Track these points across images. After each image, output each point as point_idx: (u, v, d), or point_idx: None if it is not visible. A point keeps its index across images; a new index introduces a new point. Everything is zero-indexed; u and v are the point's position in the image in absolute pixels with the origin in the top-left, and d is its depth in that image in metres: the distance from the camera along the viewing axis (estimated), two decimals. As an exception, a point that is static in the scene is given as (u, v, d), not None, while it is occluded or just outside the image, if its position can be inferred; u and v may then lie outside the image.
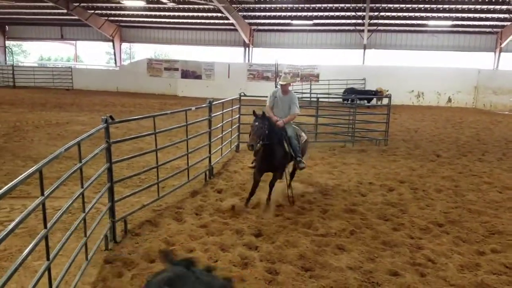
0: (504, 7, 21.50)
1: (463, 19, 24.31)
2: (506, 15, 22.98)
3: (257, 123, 6.49)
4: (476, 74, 23.97)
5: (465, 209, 7.05)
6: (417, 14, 24.17)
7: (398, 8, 23.70)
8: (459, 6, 22.25)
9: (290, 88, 7.49)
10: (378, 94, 22.11)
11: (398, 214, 6.72)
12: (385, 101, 23.02)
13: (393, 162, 10.46)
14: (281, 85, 7.21)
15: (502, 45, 25.56)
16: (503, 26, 24.85)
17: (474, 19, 24.25)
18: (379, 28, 27.03)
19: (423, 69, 24.51)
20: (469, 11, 22.88)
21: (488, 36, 26.17)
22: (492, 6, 21.80)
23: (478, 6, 22.03)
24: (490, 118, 19.46)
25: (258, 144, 6.48)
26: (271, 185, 6.86)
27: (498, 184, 8.62)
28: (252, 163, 7.43)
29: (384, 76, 23.75)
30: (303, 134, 7.59)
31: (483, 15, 23.49)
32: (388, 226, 6.16)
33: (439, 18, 24.32)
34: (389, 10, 24.11)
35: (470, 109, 23.20)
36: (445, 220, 6.49)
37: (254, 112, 6.68)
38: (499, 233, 6.09)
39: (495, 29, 25.52)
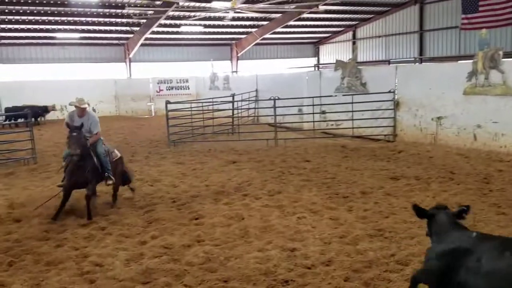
0: (125, 20, 23.79)
1: (90, 31, 25.35)
2: (128, 28, 25.54)
3: (75, 133, 6.79)
4: (114, 84, 25.59)
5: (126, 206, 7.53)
6: (44, 27, 23.49)
7: (27, 20, 22.36)
8: (84, 19, 23.00)
9: None
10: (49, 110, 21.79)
11: (59, 229, 6.47)
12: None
13: (47, 179, 9.94)
14: (77, 107, 7.30)
15: (130, 56, 28.29)
16: (127, 38, 27.51)
17: (101, 31, 25.71)
18: (3, 41, 24.78)
19: (63, 82, 24.13)
20: (95, 23, 24.08)
21: (117, 48, 28.41)
22: (114, 19, 23.70)
23: (102, 19, 23.47)
24: (134, 123, 21.25)
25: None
26: (88, 199, 6.95)
27: (149, 179, 9.63)
28: (62, 181, 7.39)
29: (21, 91, 21.93)
30: (115, 151, 7.94)
31: (108, 28, 25.25)
32: (50, 245, 5.87)
33: (66, 31, 24.46)
34: (15, 22, 22.43)
35: (114, 117, 24.57)
36: (107, 223, 6.72)
37: (68, 124, 7.00)
38: (156, 220, 6.84)
39: (121, 41, 27.96)
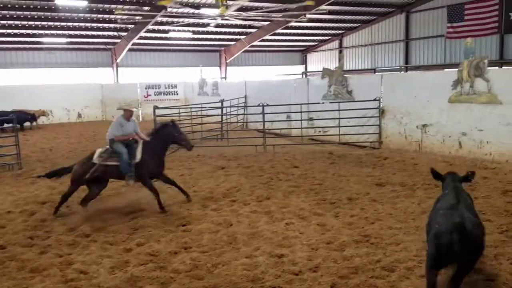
0: (112, 25, 23.68)
1: (77, 36, 25.22)
2: (116, 33, 25.42)
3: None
4: (100, 89, 25.43)
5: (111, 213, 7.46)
6: (31, 32, 23.29)
7: (13, 25, 22.15)
8: (71, 24, 22.84)
9: None
10: (36, 116, 21.25)
11: (44, 236, 6.39)
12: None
13: (31, 184, 9.83)
14: (127, 110, 8.09)
15: (118, 60, 28.17)
16: (115, 43, 27.39)
17: (88, 36, 25.61)
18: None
19: (49, 86, 23.89)
20: (82, 28, 23.92)
21: (104, 53, 28.28)
22: (102, 25, 23.58)
23: (90, 24, 23.34)
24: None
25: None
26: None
27: (135, 185, 9.51)
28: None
29: (8, 96, 21.62)
30: None
31: (95, 33, 25.12)
32: (34, 252, 5.80)
33: (53, 36, 24.29)
34: (2, 27, 22.18)
35: (100, 122, 24.41)
36: (91, 230, 6.64)
37: (172, 122, 8.13)
38: (142, 227, 6.78)
39: (108, 46, 27.83)
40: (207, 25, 22.12)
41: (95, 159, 7.71)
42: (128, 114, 8.07)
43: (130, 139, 7.92)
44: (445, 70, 16.12)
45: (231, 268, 5.17)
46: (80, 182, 7.68)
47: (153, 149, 7.83)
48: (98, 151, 7.88)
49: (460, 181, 4.93)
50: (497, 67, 14.61)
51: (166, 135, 7.95)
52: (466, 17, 21.52)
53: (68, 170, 7.92)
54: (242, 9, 19.57)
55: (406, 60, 26.01)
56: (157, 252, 5.72)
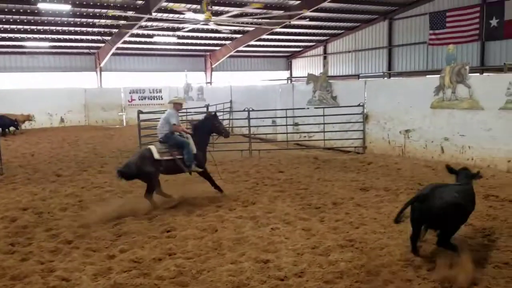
0: (96, 29, 23.45)
1: (60, 40, 24.93)
2: (100, 38, 25.18)
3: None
4: (83, 93, 25.14)
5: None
6: (13, 35, 22.92)
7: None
8: (54, 28, 22.56)
9: None
10: (20, 121, 20.90)
11: (25, 243, 6.26)
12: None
13: (12, 190, 9.63)
14: (178, 103, 8.71)
15: (101, 65, 27.92)
16: (98, 48, 27.14)
17: (71, 40, 25.34)
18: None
19: (31, 91, 23.51)
20: (66, 32, 23.64)
21: (88, 57, 28.00)
22: (85, 29, 23.34)
23: (73, 28, 23.10)
24: (103, 133, 20.86)
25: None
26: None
27: (118, 190, 9.43)
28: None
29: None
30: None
31: (78, 37, 24.87)
32: (15, 259, 5.68)
33: (36, 40, 23.96)
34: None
35: (84, 127, 24.13)
36: (73, 236, 6.54)
37: (213, 114, 8.99)
38: (125, 233, 6.69)
39: (92, 50, 27.56)
40: (218, 31, 21.87)
41: (157, 156, 7.99)
42: (179, 107, 8.76)
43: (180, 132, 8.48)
44: (428, 76, 16.35)
45: (216, 274, 5.14)
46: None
47: (199, 141, 8.50)
48: (154, 148, 8.12)
49: (470, 177, 5.66)
50: (478, 74, 14.86)
51: (210, 127, 8.73)
52: (448, 24, 21.92)
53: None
54: (217, 14, 19.56)
55: (389, 67, 26.34)
56: (141, 259, 5.65)
